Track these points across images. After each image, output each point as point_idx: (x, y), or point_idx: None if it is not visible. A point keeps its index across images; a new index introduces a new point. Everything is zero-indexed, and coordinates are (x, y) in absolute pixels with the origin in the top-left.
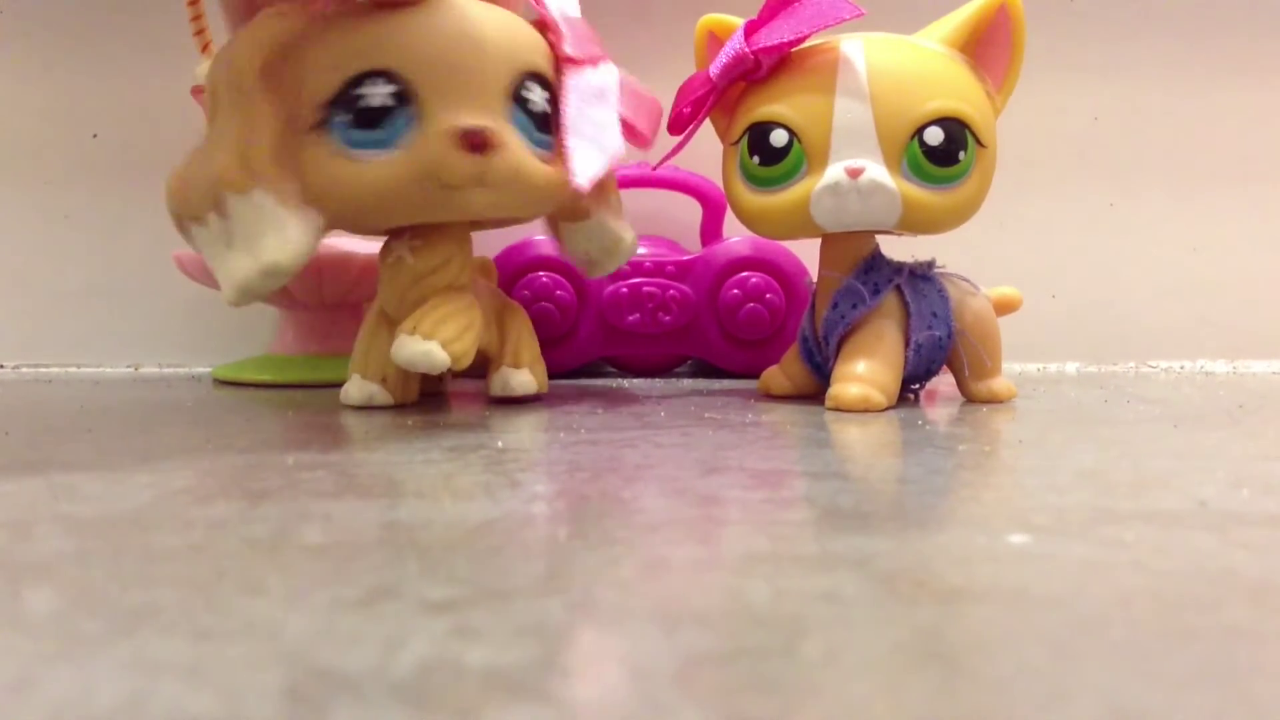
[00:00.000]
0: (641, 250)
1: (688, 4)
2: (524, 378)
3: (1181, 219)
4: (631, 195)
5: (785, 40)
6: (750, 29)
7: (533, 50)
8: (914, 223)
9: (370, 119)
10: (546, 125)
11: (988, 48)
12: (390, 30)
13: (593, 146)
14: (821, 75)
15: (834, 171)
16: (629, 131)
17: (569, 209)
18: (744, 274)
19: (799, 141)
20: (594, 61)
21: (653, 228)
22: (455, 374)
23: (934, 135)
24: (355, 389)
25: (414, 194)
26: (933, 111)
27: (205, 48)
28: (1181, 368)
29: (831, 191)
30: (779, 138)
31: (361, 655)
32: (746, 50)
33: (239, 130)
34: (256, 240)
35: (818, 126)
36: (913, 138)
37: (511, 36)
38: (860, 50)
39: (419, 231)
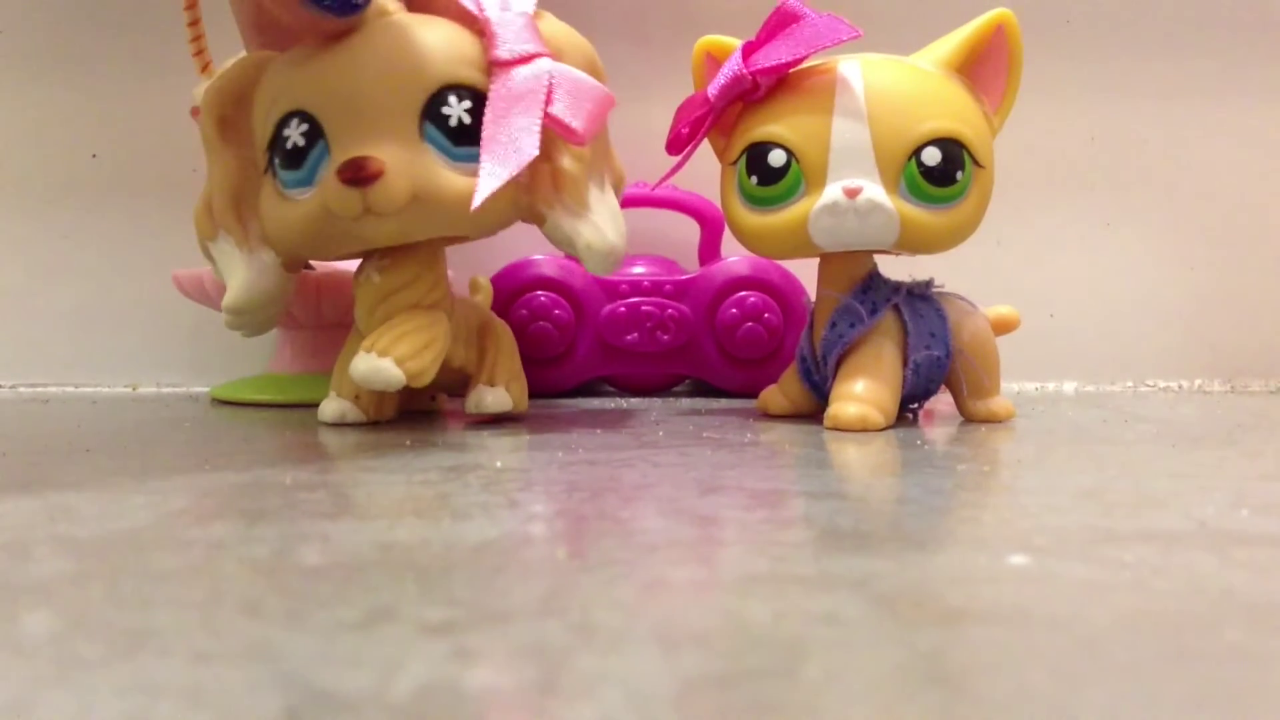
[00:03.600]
0: (640, 269)
1: (686, 25)
2: (498, 396)
3: (1178, 238)
4: (630, 215)
5: (783, 61)
6: (748, 50)
7: (454, 62)
8: (912, 242)
9: (293, 159)
10: (470, 137)
11: (985, 68)
12: (303, 69)
13: (499, 160)
14: (819, 96)
15: (832, 191)
16: (560, 128)
17: (526, 212)
18: (742, 293)
19: (797, 161)
20: (525, 59)
21: (651, 247)
22: (445, 392)
23: (931, 155)
24: (329, 406)
25: (324, 230)
26: (930, 132)
27: (205, 68)
28: (1179, 387)
29: (829, 211)
30: (777, 158)
31: (360, 678)
32: (744, 71)
33: (209, 179)
34: (228, 281)
35: (816, 147)
36: (910, 158)
37: (426, 54)
38: (858, 71)
39: (387, 251)
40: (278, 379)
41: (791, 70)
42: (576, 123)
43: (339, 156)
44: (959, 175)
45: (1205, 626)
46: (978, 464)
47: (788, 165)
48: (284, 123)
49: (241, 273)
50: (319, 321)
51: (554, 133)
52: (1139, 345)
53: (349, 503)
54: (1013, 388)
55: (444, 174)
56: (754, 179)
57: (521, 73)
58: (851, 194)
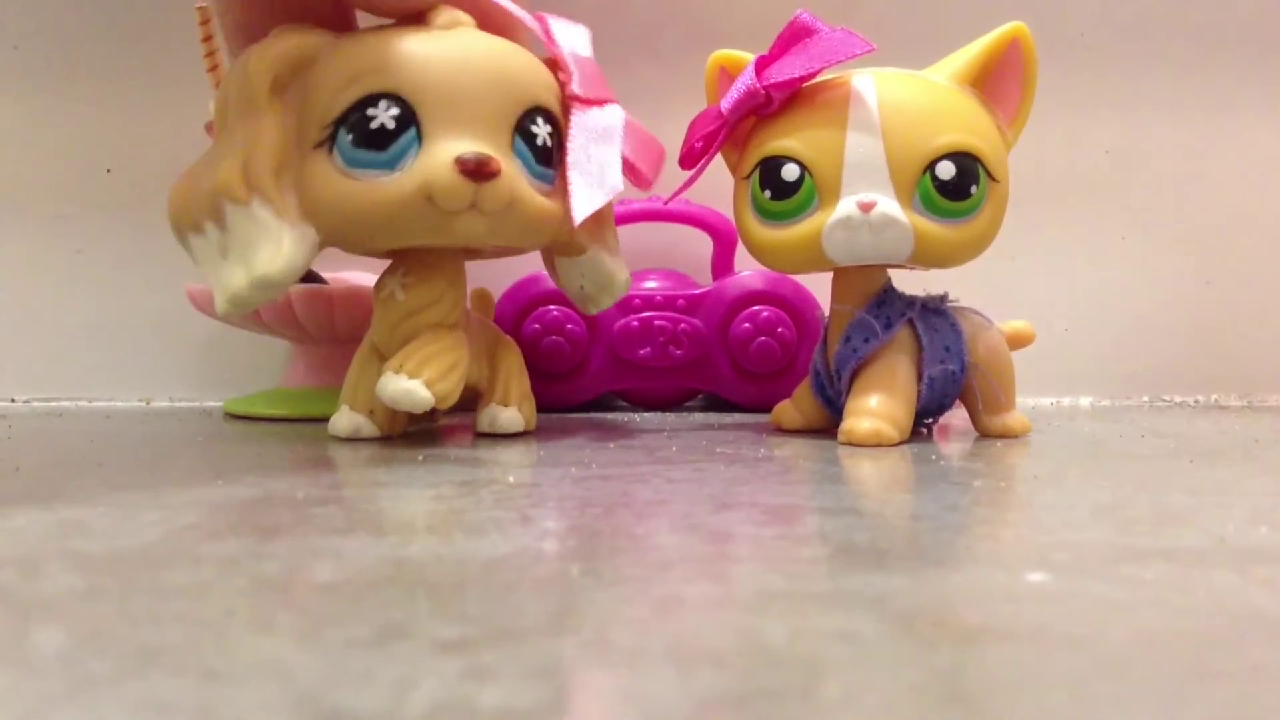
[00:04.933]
0: (652, 284)
1: (699, 39)
2: (511, 415)
3: (1194, 252)
4: (643, 229)
5: (796, 75)
6: (761, 64)
7: (541, 86)
8: (926, 257)
9: (375, 140)
10: (548, 159)
11: (999, 82)
12: (401, 53)
13: (592, 184)
14: (833, 110)
15: (846, 205)
16: (631, 172)
17: (564, 244)
18: (755, 308)
19: (810, 176)
20: (601, 102)
21: (664, 261)
22: (460, 409)
23: (946, 169)
24: (343, 420)
25: (411, 217)
26: (944, 146)
27: (218, 83)
28: (1195, 402)
29: (843, 225)
30: (790, 172)
31: (373, 696)
32: (758, 85)
33: (245, 142)
34: (251, 251)
35: (829, 161)
36: (924, 172)
37: (522, 71)
38: (871, 85)
39: (411, 268)
40: (290, 393)
41: (805, 84)
42: (645, 168)
43: (435, 148)
44: (973, 189)
45: (1227, 646)
46: (994, 480)
47: (801, 179)
48: (366, 102)
49: (279, 243)
50: (332, 336)
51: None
52: (1155, 360)
53: (361, 518)
54: (1028, 403)
55: (529, 188)
56: (767, 193)
57: (598, 114)
58: (865, 208)
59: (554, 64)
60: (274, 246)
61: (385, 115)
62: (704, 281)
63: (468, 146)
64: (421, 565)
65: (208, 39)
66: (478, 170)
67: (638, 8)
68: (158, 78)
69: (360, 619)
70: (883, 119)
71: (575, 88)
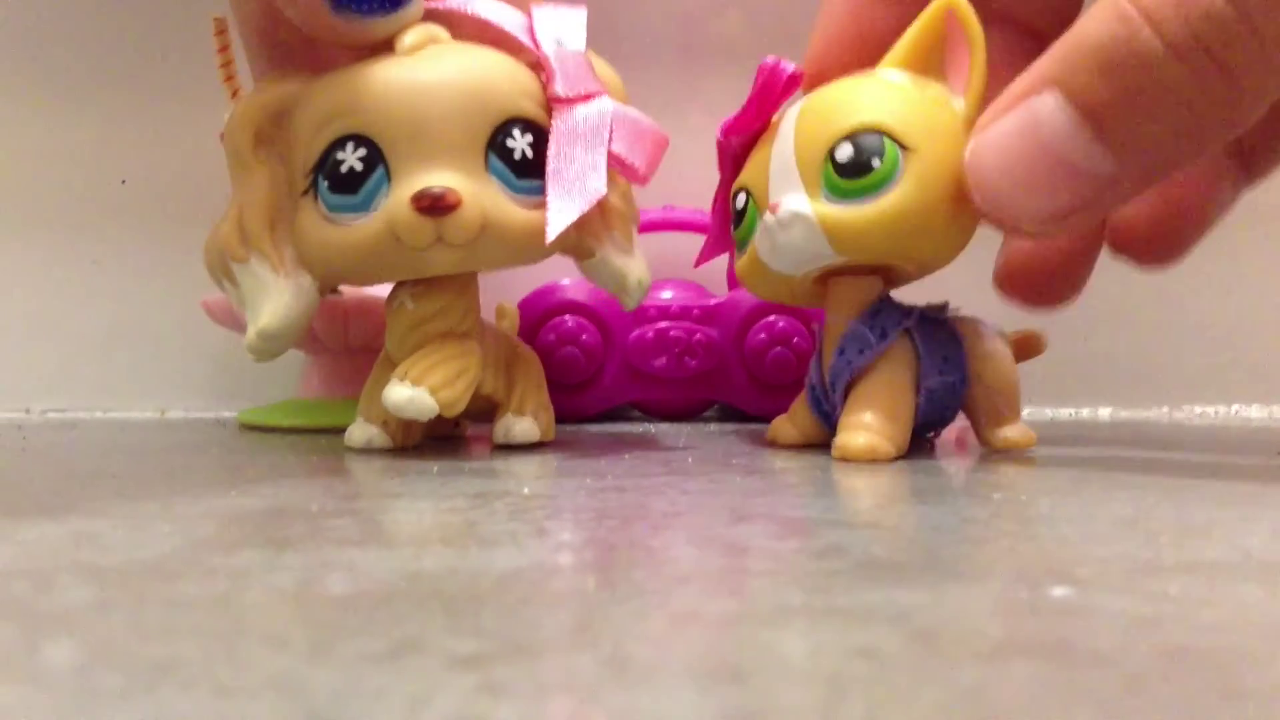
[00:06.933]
0: (667, 294)
1: (701, 47)
2: (525, 426)
3: (1214, 260)
4: (658, 239)
5: (740, 114)
6: (725, 125)
7: (518, 94)
8: (849, 244)
9: (347, 184)
10: (533, 170)
11: (949, 56)
12: (363, 91)
13: (571, 194)
14: (769, 133)
15: (765, 216)
16: (622, 167)
17: (574, 247)
18: (770, 318)
19: (752, 199)
20: (586, 98)
21: (679, 271)
22: (472, 419)
23: (843, 151)
24: (357, 431)
25: (383, 256)
26: (843, 129)
27: (234, 94)
28: (1216, 413)
29: (761, 234)
30: (739, 201)
31: (386, 712)
32: (721, 138)
33: (239, 199)
34: (257, 306)
35: (759, 178)
36: (826, 160)
37: (494, 84)
38: (800, 100)
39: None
40: (305, 404)
41: (760, 125)
42: (637, 161)
43: (402, 184)
44: (876, 162)
45: (1257, 661)
46: (1013, 493)
47: (746, 204)
48: (337, 145)
49: (278, 297)
50: (346, 347)
51: (611, 170)
52: (1175, 370)
53: (375, 530)
54: (1046, 413)
55: (509, 206)
56: (734, 226)
57: (583, 110)
58: (772, 210)
59: (536, 65)
60: (274, 301)
61: (352, 158)
62: (719, 292)
63: (430, 180)
64: (435, 578)
65: (224, 49)
66: (433, 206)
67: (640, 18)
68: (173, 88)
69: (374, 633)
70: (797, 124)
71: (557, 88)
